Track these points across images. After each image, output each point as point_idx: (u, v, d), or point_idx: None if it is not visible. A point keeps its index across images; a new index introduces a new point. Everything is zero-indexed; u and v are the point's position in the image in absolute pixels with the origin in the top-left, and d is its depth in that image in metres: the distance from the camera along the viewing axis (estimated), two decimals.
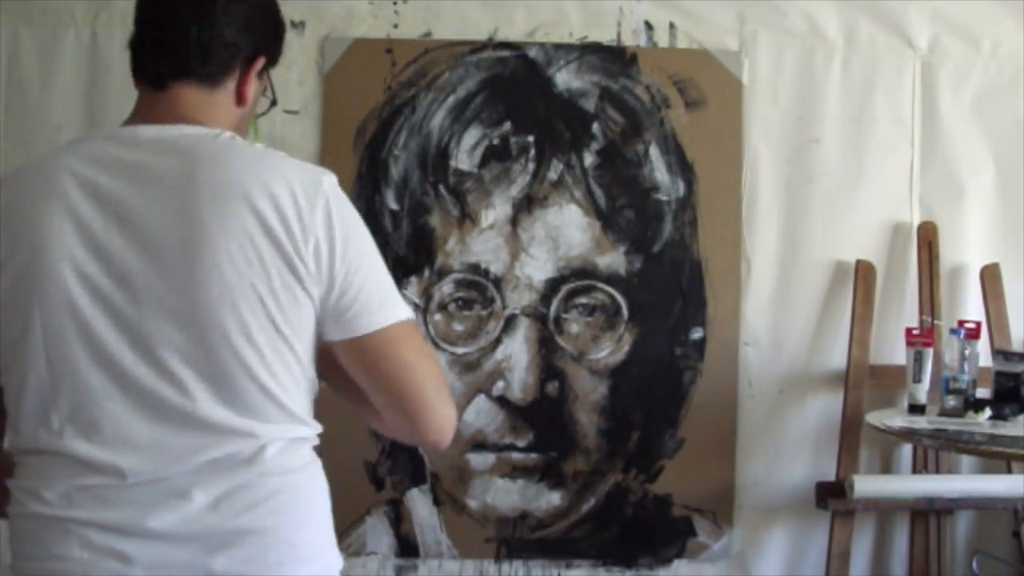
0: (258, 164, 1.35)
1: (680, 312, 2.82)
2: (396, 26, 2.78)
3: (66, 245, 1.31)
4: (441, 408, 1.40)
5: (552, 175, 2.78)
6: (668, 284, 2.81)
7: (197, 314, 1.30)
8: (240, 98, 1.43)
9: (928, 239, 2.85)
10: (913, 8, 2.86)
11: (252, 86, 1.44)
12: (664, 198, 2.81)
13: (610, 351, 2.80)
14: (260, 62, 1.44)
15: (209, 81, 1.40)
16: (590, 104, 2.79)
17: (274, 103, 1.59)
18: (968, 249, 2.89)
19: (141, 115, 1.44)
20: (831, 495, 2.74)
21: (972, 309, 2.85)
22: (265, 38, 1.45)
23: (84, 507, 1.30)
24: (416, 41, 2.78)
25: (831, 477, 2.79)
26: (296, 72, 2.76)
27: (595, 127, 2.79)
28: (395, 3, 2.78)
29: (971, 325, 2.61)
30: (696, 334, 2.82)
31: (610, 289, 2.80)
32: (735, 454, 2.84)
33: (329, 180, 1.40)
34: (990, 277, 2.84)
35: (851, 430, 2.78)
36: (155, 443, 1.31)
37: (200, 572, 1.31)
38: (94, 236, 1.31)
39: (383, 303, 1.38)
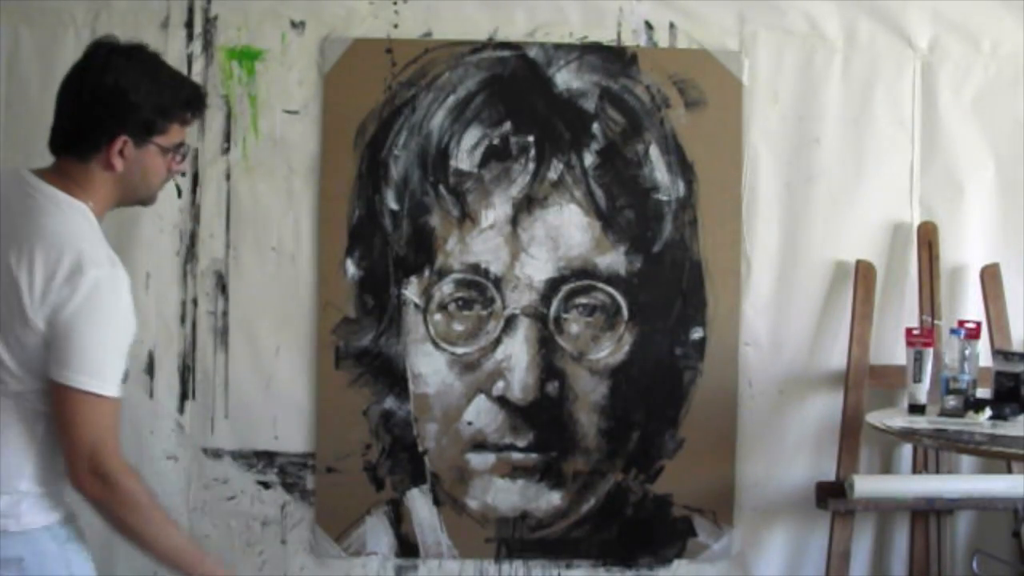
0: (60, 230, 1.76)
1: (680, 312, 2.82)
2: (396, 26, 2.78)
3: None
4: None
5: (552, 175, 2.78)
6: (668, 284, 2.81)
7: None
8: (108, 166, 1.81)
9: (928, 239, 2.85)
10: (913, 8, 2.86)
11: (118, 158, 1.80)
12: (664, 198, 2.81)
13: (610, 351, 2.80)
14: (119, 140, 1.79)
15: (80, 157, 1.81)
16: (590, 104, 2.79)
17: (184, 156, 1.94)
18: (968, 249, 2.89)
19: (49, 173, 1.84)
20: (831, 495, 2.75)
21: (972, 309, 2.85)
22: (123, 118, 1.80)
23: None
24: (416, 41, 2.78)
25: (831, 477, 2.79)
26: (296, 72, 2.76)
27: (595, 127, 2.79)
28: (395, 3, 2.78)
29: (971, 325, 2.61)
30: (696, 334, 2.82)
31: (610, 289, 2.80)
32: (735, 454, 2.84)
33: (94, 273, 1.74)
34: (990, 277, 2.84)
35: (851, 430, 2.78)
36: None
37: None
38: None
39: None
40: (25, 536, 1.79)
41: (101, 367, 1.76)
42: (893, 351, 2.82)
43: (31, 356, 1.74)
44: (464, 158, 2.77)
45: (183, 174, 2.04)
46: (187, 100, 1.89)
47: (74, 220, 1.79)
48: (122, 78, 1.81)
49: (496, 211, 2.77)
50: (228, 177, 2.77)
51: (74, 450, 1.77)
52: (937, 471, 2.84)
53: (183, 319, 2.77)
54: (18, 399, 1.78)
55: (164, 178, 1.92)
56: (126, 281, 1.80)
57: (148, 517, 1.83)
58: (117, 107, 1.80)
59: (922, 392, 2.61)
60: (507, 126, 2.77)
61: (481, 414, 2.78)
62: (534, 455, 2.79)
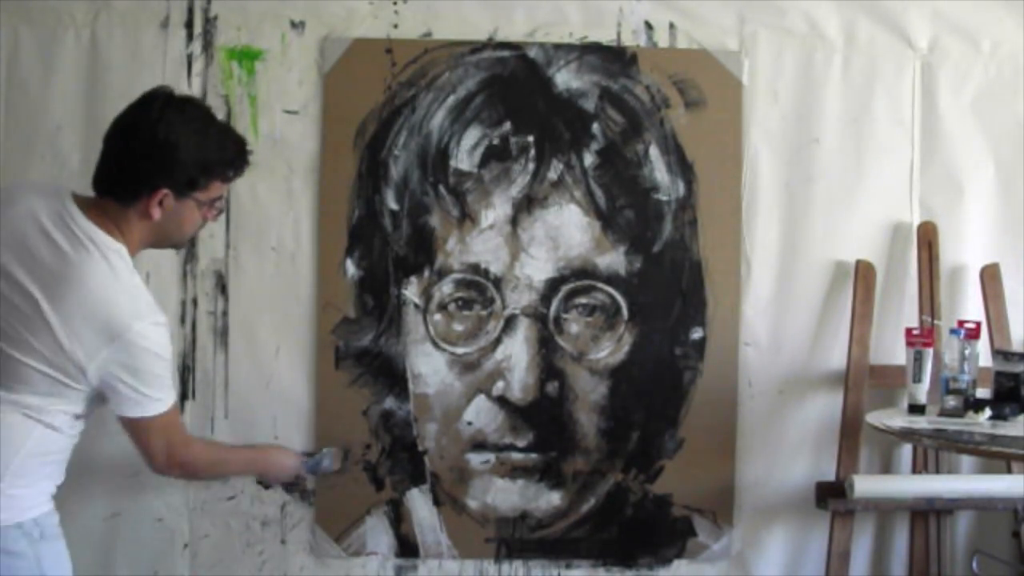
0: (103, 280, 1.90)
1: (680, 312, 2.82)
2: (396, 26, 2.78)
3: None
4: None
5: (552, 175, 2.78)
6: (668, 284, 2.81)
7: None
8: (146, 216, 1.91)
9: (928, 239, 2.85)
10: (913, 8, 2.86)
11: (157, 208, 1.90)
12: (664, 198, 2.81)
13: (610, 351, 2.80)
14: (160, 193, 1.89)
15: (121, 202, 1.91)
16: (590, 104, 2.79)
17: (221, 211, 2.10)
18: (968, 249, 2.89)
19: (92, 209, 1.93)
20: (831, 495, 2.75)
21: (972, 309, 2.85)
22: (168, 174, 1.89)
23: None
24: (416, 41, 2.78)
25: (831, 477, 2.79)
26: (296, 72, 2.76)
27: (595, 127, 2.79)
28: (395, 3, 2.78)
29: (971, 325, 2.61)
30: (696, 334, 2.82)
31: (610, 289, 2.80)
32: (735, 454, 2.84)
33: (137, 327, 1.89)
34: (990, 277, 2.84)
35: (851, 430, 2.78)
36: None
37: None
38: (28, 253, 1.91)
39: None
40: None
41: (159, 394, 1.95)
42: (893, 351, 2.82)
43: (64, 386, 1.89)
44: (464, 158, 2.77)
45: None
46: (232, 159, 1.97)
47: (113, 269, 1.89)
48: (172, 134, 1.88)
49: (496, 211, 2.77)
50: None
51: (155, 457, 2.03)
52: (937, 471, 2.84)
53: (183, 319, 2.77)
54: (28, 410, 1.89)
55: (199, 227, 2.03)
56: (164, 322, 1.94)
57: (222, 466, 2.29)
58: (164, 162, 1.88)
59: (922, 392, 2.61)
60: (507, 126, 2.77)
61: (481, 414, 2.78)
62: (534, 455, 2.79)
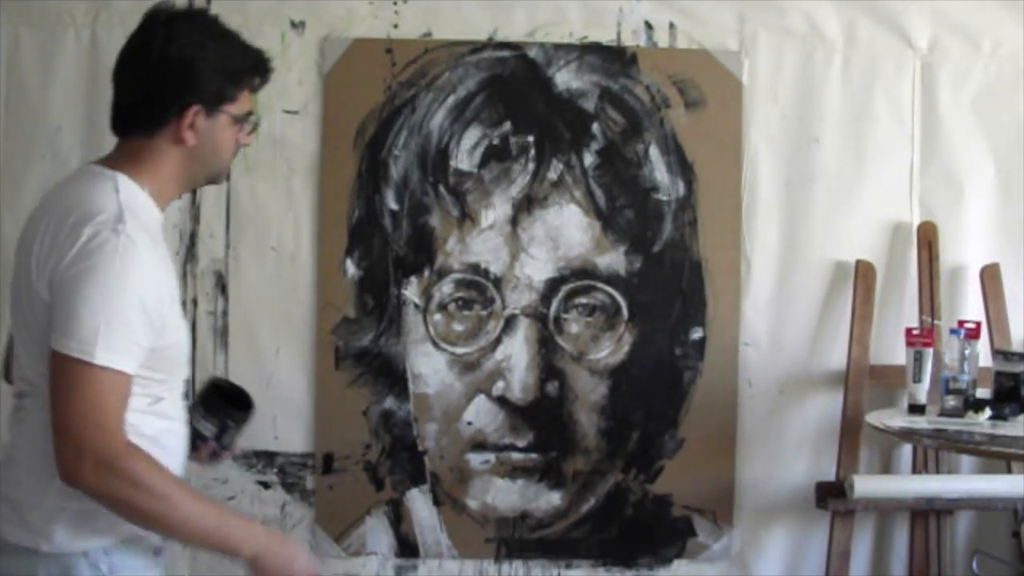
0: (78, 199, 1.65)
1: (680, 312, 2.82)
2: (396, 26, 2.78)
3: None
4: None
5: (552, 175, 2.78)
6: (668, 284, 2.81)
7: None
8: (178, 140, 1.68)
9: (928, 239, 2.85)
10: (913, 8, 2.86)
11: (189, 131, 1.67)
12: (664, 198, 2.81)
13: (610, 351, 2.80)
14: (191, 111, 1.67)
15: (145, 132, 1.68)
16: (590, 104, 2.79)
17: (255, 127, 1.81)
18: (968, 249, 2.89)
19: (113, 158, 1.71)
20: (831, 495, 2.74)
21: (972, 309, 2.85)
22: (193, 89, 1.68)
23: None
24: (416, 41, 2.78)
25: (831, 477, 2.79)
26: (296, 72, 2.76)
27: (595, 127, 2.79)
28: (395, 3, 2.78)
29: (971, 325, 2.61)
30: (696, 334, 2.82)
31: (610, 289, 2.80)
32: (735, 454, 2.84)
33: (82, 229, 1.58)
34: (990, 277, 2.84)
35: (851, 430, 2.78)
36: None
37: None
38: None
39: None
40: (57, 560, 1.57)
41: (93, 332, 1.51)
42: (893, 351, 2.82)
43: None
44: (464, 158, 2.77)
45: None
46: (256, 64, 1.76)
47: (98, 185, 1.64)
48: (188, 46, 1.68)
49: (496, 211, 2.77)
50: (228, 177, 2.76)
51: (60, 430, 1.51)
52: (937, 471, 2.84)
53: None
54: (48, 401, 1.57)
55: (234, 151, 1.77)
56: (137, 244, 1.56)
57: (166, 500, 1.53)
58: (187, 76, 1.67)
59: (922, 392, 2.61)
60: (507, 126, 2.77)
61: (481, 414, 2.78)
62: (534, 455, 2.79)
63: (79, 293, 1.52)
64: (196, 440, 1.74)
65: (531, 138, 2.77)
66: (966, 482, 2.82)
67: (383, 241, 2.77)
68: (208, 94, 1.69)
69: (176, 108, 1.66)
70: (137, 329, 1.54)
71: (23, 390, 1.64)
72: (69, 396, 1.51)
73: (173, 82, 1.66)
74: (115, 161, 1.69)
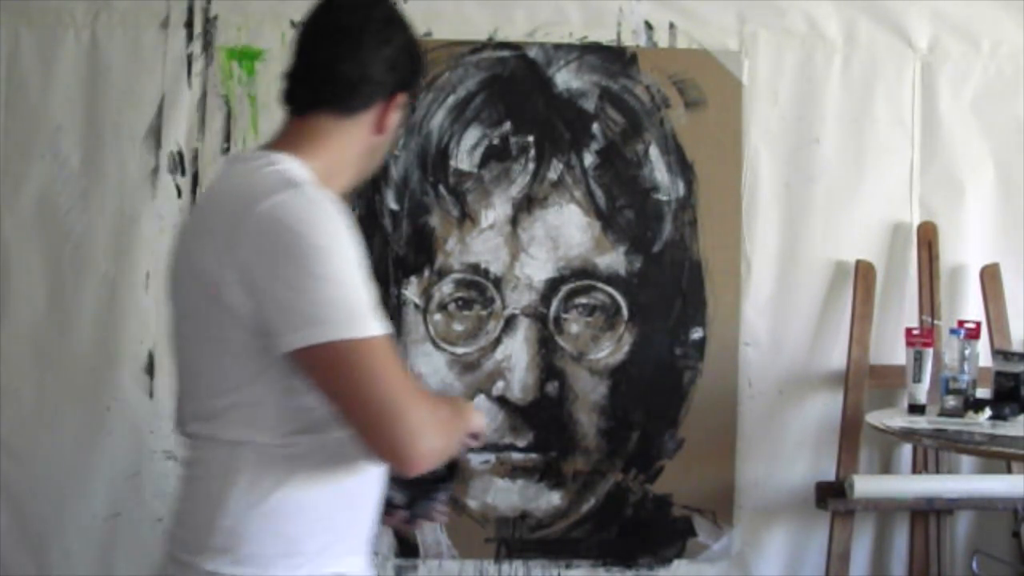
0: (250, 187, 1.40)
1: (680, 312, 2.82)
2: None
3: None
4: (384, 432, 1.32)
5: (552, 175, 2.78)
6: (668, 284, 2.81)
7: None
8: (379, 128, 1.52)
9: (928, 239, 2.85)
10: (913, 8, 2.86)
11: (392, 118, 1.52)
12: (664, 198, 2.81)
13: (610, 351, 2.80)
14: (401, 97, 1.52)
15: (347, 113, 1.49)
16: (590, 104, 2.79)
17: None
18: (968, 249, 2.89)
19: (275, 138, 1.53)
20: (831, 495, 2.75)
21: (972, 309, 2.85)
22: (406, 76, 1.54)
23: None
24: None
25: (831, 477, 2.79)
26: None
27: (595, 127, 2.79)
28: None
29: (971, 325, 2.61)
30: (696, 334, 2.82)
31: (610, 289, 2.80)
32: (735, 454, 2.84)
33: (261, 207, 1.35)
34: (990, 277, 2.84)
35: (851, 430, 2.78)
36: None
37: None
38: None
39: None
40: None
41: (335, 304, 1.31)
42: (893, 351, 2.81)
43: (247, 366, 1.37)
44: (464, 158, 2.77)
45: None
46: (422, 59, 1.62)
47: (272, 172, 1.41)
48: (404, 28, 1.56)
49: (496, 211, 2.77)
50: None
51: (384, 423, 1.29)
52: (937, 471, 2.84)
53: None
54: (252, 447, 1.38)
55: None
56: (326, 200, 1.37)
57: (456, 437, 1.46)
58: (406, 60, 1.54)
59: (922, 392, 2.61)
60: (507, 126, 2.77)
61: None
62: (534, 455, 2.79)
63: (298, 273, 1.31)
64: (387, 506, 1.56)
65: (531, 138, 2.77)
66: (966, 482, 2.82)
67: (383, 241, 2.77)
68: (411, 82, 1.56)
69: (388, 92, 1.51)
70: (365, 291, 1.37)
71: (197, 432, 1.46)
72: (371, 379, 1.30)
73: (395, 63, 1.51)
74: (286, 140, 1.49)
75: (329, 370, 1.31)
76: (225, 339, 1.37)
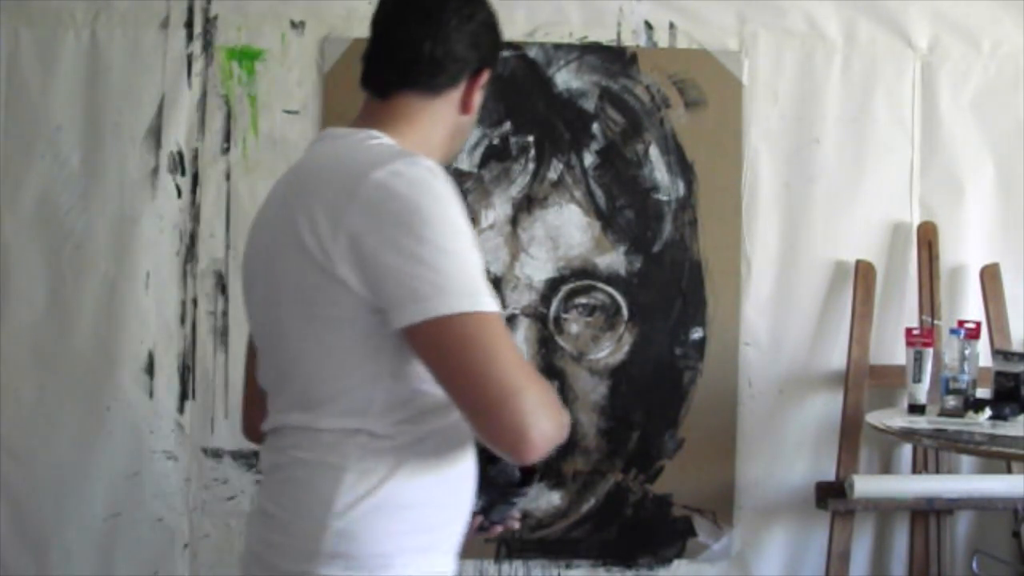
0: (352, 158, 1.37)
1: (680, 312, 2.82)
2: None
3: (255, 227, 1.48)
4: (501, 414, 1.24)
5: (552, 175, 2.78)
6: (668, 284, 2.81)
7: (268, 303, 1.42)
8: (465, 107, 1.49)
9: (928, 239, 2.85)
10: (913, 8, 2.86)
11: (477, 96, 1.50)
12: (664, 198, 2.81)
13: (610, 351, 2.80)
14: (486, 74, 1.50)
15: (433, 92, 1.46)
16: (590, 104, 2.79)
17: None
18: (968, 249, 2.89)
19: (357, 120, 1.49)
20: (831, 495, 2.74)
21: (972, 309, 2.85)
22: (489, 52, 1.51)
23: None
24: None
25: (831, 477, 2.79)
26: (296, 72, 2.76)
27: (595, 127, 2.79)
28: None
29: (971, 325, 2.61)
30: (696, 334, 2.82)
31: (610, 289, 2.80)
32: (735, 454, 2.84)
33: (376, 175, 1.29)
34: (990, 277, 2.84)
35: (851, 430, 2.78)
36: None
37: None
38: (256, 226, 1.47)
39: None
40: None
41: (461, 279, 1.26)
42: (893, 351, 2.81)
43: (362, 343, 1.30)
44: (464, 158, 2.77)
45: None
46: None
47: (369, 146, 1.39)
48: (486, 4, 1.51)
49: (496, 211, 2.77)
50: (228, 177, 2.77)
51: (496, 404, 1.23)
52: (937, 471, 2.84)
53: (183, 319, 2.77)
54: (318, 447, 1.33)
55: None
56: (440, 175, 1.31)
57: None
58: (493, 35, 1.50)
59: (922, 392, 2.61)
60: (507, 126, 2.77)
61: None
62: None
63: (413, 245, 1.25)
64: None
65: (531, 138, 2.77)
66: (966, 482, 2.82)
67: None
68: (494, 59, 1.52)
69: (472, 69, 1.48)
70: (479, 269, 1.29)
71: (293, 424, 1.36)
72: (488, 357, 1.23)
73: (478, 39, 1.47)
74: (374, 121, 1.44)
75: (445, 345, 1.24)
76: (336, 317, 1.29)
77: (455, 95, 1.47)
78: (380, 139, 1.40)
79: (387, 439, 1.32)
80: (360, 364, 1.31)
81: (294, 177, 1.42)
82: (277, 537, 1.34)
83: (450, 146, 1.52)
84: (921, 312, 2.83)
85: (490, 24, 1.51)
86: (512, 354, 1.26)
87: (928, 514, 2.83)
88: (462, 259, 1.27)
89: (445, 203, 1.29)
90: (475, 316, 1.24)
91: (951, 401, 2.51)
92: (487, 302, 1.26)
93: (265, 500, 1.38)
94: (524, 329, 2.77)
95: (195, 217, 2.77)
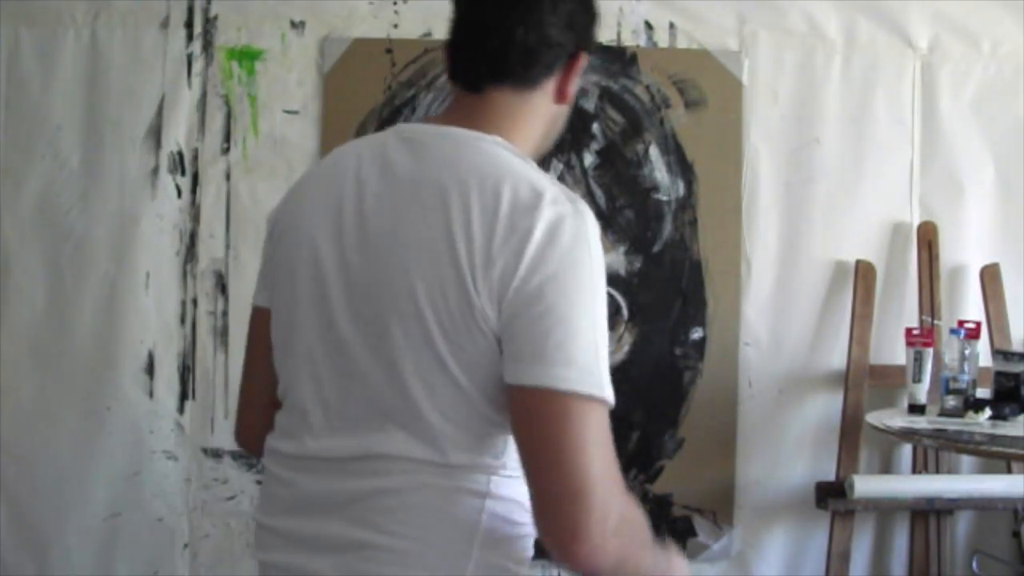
0: (482, 165, 1.24)
1: (680, 312, 2.82)
2: (396, 26, 2.78)
3: (319, 220, 1.30)
4: (567, 519, 1.15)
5: (552, 175, 2.77)
6: (668, 284, 2.81)
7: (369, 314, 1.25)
8: (561, 96, 1.37)
9: (928, 239, 2.85)
10: (913, 8, 2.86)
11: (574, 83, 1.37)
12: (664, 198, 2.81)
13: (610, 351, 2.80)
14: (583, 58, 1.36)
15: (529, 84, 1.33)
16: (590, 104, 2.79)
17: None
18: (968, 249, 2.89)
19: (448, 115, 1.35)
20: (831, 495, 2.74)
21: (972, 309, 2.85)
22: (586, 33, 1.37)
23: None
24: (416, 41, 2.77)
25: (831, 477, 2.79)
26: (296, 72, 2.76)
27: (595, 127, 2.79)
28: (395, 3, 2.78)
29: (971, 325, 2.61)
30: (696, 334, 2.82)
31: (610, 289, 2.79)
32: (735, 454, 2.83)
33: (545, 214, 1.19)
34: (990, 277, 2.84)
35: (851, 430, 2.78)
36: None
37: None
38: (340, 218, 1.29)
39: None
40: None
41: (592, 357, 1.20)
42: (893, 351, 2.82)
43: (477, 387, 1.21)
44: None
45: None
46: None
47: (494, 152, 1.27)
48: None
49: None
50: (228, 177, 2.77)
51: (573, 493, 1.14)
52: (937, 471, 2.84)
53: (183, 319, 2.77)
54: (450, 477, 1.23)
55: None
56: (595, 225, 1.23)
57: (650, 551, 1.28)
58: (586, 17, 1.37)
59: (922, 392, 2.61)
60: None
61: None
62: None
63: (565, 307, 1.18)
64: None
65: None
66: (966, 482, 2.82)
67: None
68: (590, 40, 1.38)
69: (568, 54, 1.34)
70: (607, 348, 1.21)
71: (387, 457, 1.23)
72: (579, 446, 1.14)
73: (572, 20, 1.33)
74: (473, 119, 1.31)
75: (548, 418, 1.15)
76: (471, 349, 1.19)
77: (551, 84, 1.34)
78: (507, 147, 1.29)
79: (502, 469, 1.25)
80: (482, 403, 1.22)
81: (380, 178, 1.28)
82: (395, 569, 1.23)
83: (546, 138, 1.40)
84: (921, 312, 2.83)
85: (583, 1, 1.36)
86: (609, 454, 1.17)
87: (928, 514, 2.83)
88: (598, 334, 1.21)
89: (600, 268, 1.22)
90: (588, 402, 1.16)
91: (951, 401, 2.51)
92: (607, 390, 1.19)
93: (353, 528, 1.24)
94: None
95: (195, 217, 2.77)
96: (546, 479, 1.15)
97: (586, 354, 1.18)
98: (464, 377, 1.20)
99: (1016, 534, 2.81)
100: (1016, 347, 2.78)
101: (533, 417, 1.15)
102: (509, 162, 1.25)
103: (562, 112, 1.40)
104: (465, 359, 1.19)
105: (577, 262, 1.19)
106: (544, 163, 2.76)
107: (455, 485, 1.23)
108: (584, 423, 1.15)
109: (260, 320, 1.40)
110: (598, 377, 1.18)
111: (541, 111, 1.35)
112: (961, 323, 2.64)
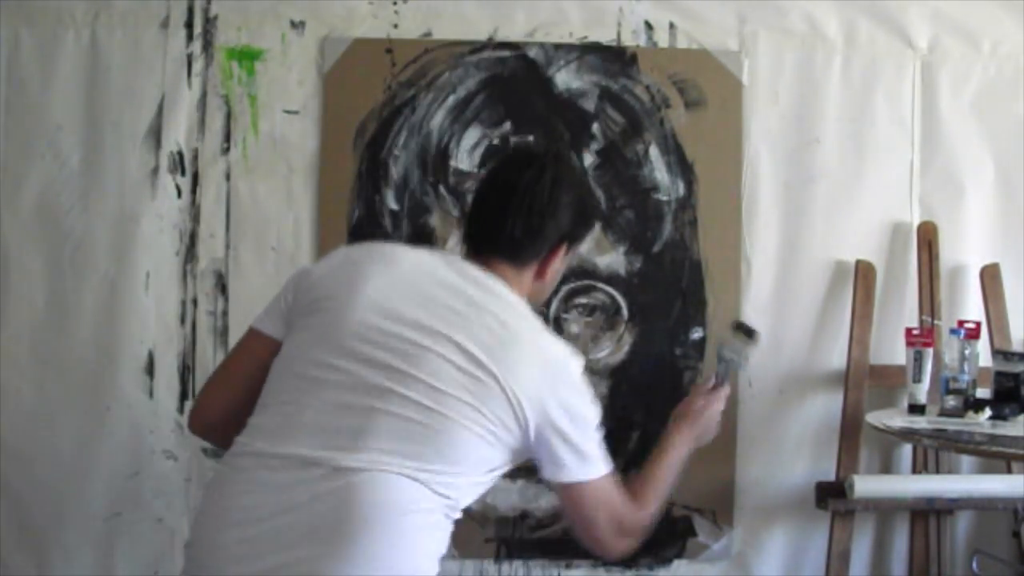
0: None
1: (680, 312, 2.82)
2: (396, 26, 2.78)
3: (369, 300, 1.71)
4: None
5: None
6: (668, 284, 2.81)
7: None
8: (540, 275, 1.82)
9: (928, 239, 2.85)
10: (913, 8, 2.86)
11: (554, 266, 1.82)
12: (664, 198, 2.81)
13: (610, 351, 2.80)
14: (563, 248, 1.82)
15: (518, 263, 1.80)
16: (590, 104, 2.79)
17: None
18: (968, 249, 2.89)
19: (475, 261, 1.81)
20: (831, 495, 2.74)
21: (972, 309, 2.85)
22: (574, 230, 1.83)
23: None
24: (416, 41, 2.78)
25: (831, 477, 2.79)
26: (296, 72, 2.76)
27: (595, 127, 2.79)
28: (395, 3, 2.78)
29: (971, 325, 2.61)
30: (696, 334, 2.82)
31: (610, 289, 2.80)
32: (735, 454, 2.83)
33: (573, 367, 1.78)
34: (990, 277, 2.84)
35: (851, 430, 2.78)
36: None
37: None
38: (388, 307, 1.71)
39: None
40: None
41: (598, 451, 1.81)
42: (893, 351, 2.82)
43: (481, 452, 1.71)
44: (464, 158, 2.77)
45: None
46: (598, 211, 2.00)
47: (527, 316, 1.77)
48: (577, 190, 1.84)
49: None
50: (228, 177, 2.77)
51: (601, 535, 1.85)
52: (937, 471, 2.84)
53: (183, 319, 2.77)
54: (432, 511, 1.71)
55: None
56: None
57: (661, 491, 1.99)
58: (573, 221, 1.81)
59: (922, 392, 2.61)
60: (507, 126, 2.78)
61: None
62: None
63: (579, 429, 1.75)
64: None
65: (531, 138, 2.77)
66: (966, 482, 2.82)
67: (383, 241, 2.77)
68: (577, 236, 1.85)
69: (548, 246, 1.80)
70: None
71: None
72: (596, 508, 1.82)
73: (567, 221, 1.79)
74: (489, 270, 1.79)
75: (574, 496, 1.81)
76: (492, 429, 1.69)
77: (536, 265, 1.81)
78: (522, 305, 1.78)
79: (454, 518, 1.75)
80: (480, 468, 1.74)
81: (411, 270, 1.74)
82: (356, 570, 1.60)
83: (533, 300, 1.82)
84: (921, 312, 2.83)
85: (578, 206, 1.80)
86: (616, 500, 1.83)
87: (928, 514, 2.83)
88: (596, 442, 1.80)
89: (594, 404, 1.80)
90: (592, 483, 1.80)
91: (951, 401, 2.52)
92: (603, 467, 1.81)
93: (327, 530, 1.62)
94: None
95: (195, 217, 2.77)
96: (582, 527, 1.88)
97: (593, 452, 1.82)
98: (482, 438, 1.75)
99: (1016, 534, 2.81)
100: (1016, 347, 2.78)
101: (563, 494, 1.86)
102: (542, 334, 1.81)
103: (545, 285, 1.86)
104: (490, 427, 1.74)
105: (585, 401, 1.83)
106: None
107: (423, 517, 1.72)
108: (594, 495, 1.82)
109: (258, 343, 1.81)
110: (596, 465, 1.85)
111: (524, 283, 1.82)
112: (961, 323, 2.64)
